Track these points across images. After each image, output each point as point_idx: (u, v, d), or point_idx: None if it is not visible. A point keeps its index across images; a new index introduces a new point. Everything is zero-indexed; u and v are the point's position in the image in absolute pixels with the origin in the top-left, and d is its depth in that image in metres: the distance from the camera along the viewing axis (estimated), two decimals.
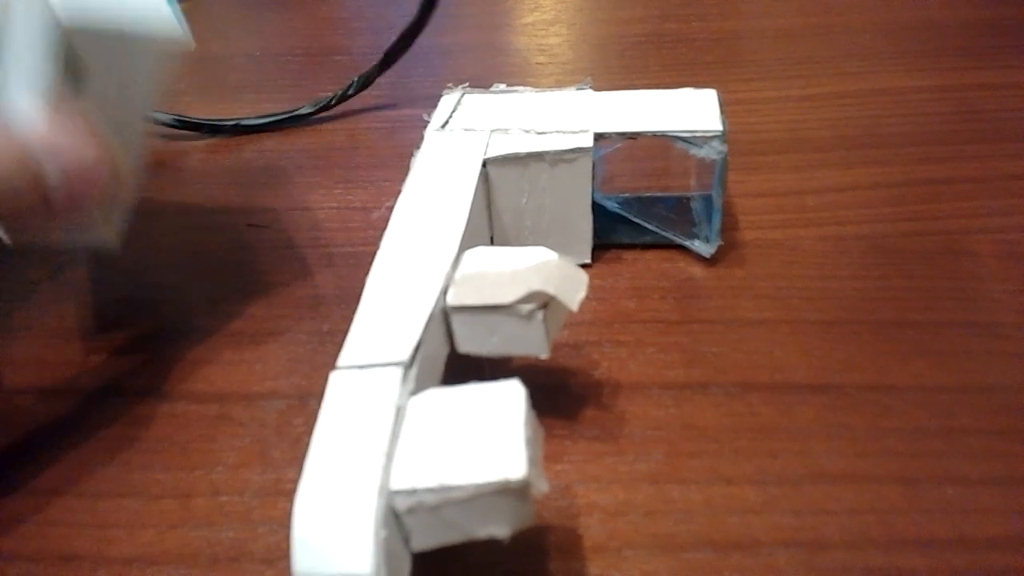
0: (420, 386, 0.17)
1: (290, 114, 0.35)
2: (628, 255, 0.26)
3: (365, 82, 0.35)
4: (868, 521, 0.18)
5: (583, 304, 0.24)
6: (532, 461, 0.14)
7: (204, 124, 0.34)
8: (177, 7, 0.20)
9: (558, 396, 0.21)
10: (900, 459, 0.19)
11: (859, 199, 0.27)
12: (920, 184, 0.28)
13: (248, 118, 0.34)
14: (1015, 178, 0.28)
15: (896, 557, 0.17)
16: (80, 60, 0.18)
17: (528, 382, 0.16)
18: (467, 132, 0.24)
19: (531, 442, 0.15)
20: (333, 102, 0.35)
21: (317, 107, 0.35)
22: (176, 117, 0.34)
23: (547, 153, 0.23)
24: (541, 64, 0.39)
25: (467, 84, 0.27)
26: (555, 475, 0.19)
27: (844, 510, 0.18)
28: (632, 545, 0.18)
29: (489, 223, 0.24)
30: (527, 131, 0.24)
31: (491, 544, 0.15)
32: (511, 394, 0.15)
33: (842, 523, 0.18)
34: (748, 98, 0.34)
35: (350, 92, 0.35)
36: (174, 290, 0.26)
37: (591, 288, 0.24)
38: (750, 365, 0.22)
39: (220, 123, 0.34)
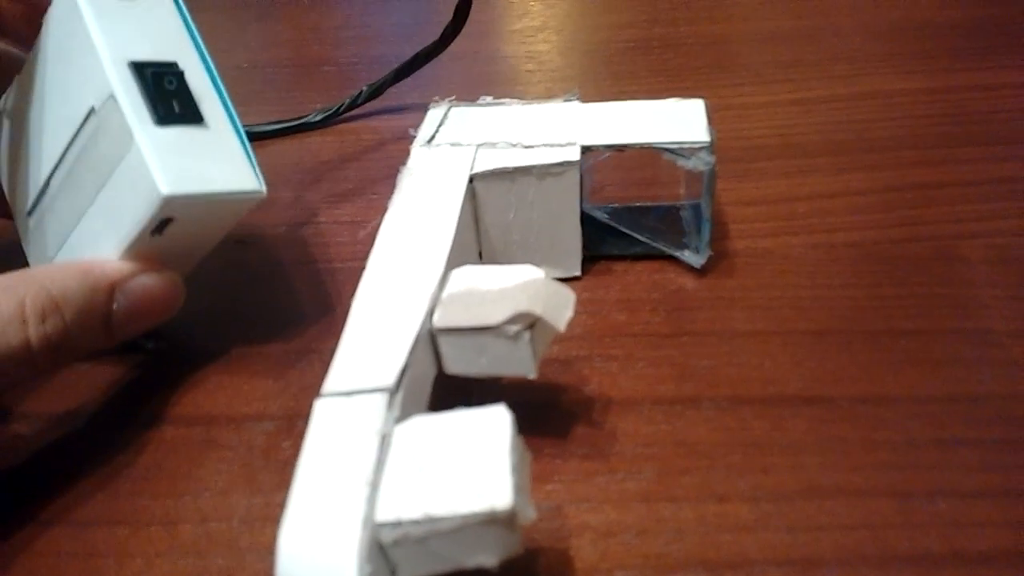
0: (406, 410, 0.16)
1: (298, 121, 0.35)
2: (618, 266, 0.26)
3: (374, 92, 0.34)
4: (861, 537, 0.18)
5: (572, 319, 0.24)
6: (518, 489, 0.14)
7: None
8: (254, 162, 0.22)
9: (547, 413, 0.21)
10: (893, 472, 0.19)
11: (850, 205, 0.27)
12: (911, 188, 0.28)
13: (257, 125, 0.34)
14: (1006, 181, 0.28)
15: (890, 573, 0.17)
16: (168, 218, 0.20)
17: (517, 400, 0.16)
18: (453, 147, 0.24)
19: (517, 469, 0.14)
20: (341, 109, 0.35)
21: (326, 114, 0.35)
22: None
23: (534, 167, 0.23)
24: (530, 71, 0.39)
25: (453, 97, 0.27)
26: (545, 495, 0.19)
27: (837, 526, 0.18)
28: (624, 566, 0.17)
29: (477, 238, 0.24)
30: (514, 145, 0.24)
31: (480, 571, 0.14)
32: (497, 420, 0.15)
33: (835, 539, 0.18)
34: (738, 103, 0.34)
35: (359, 100, 0.35)
36: None
37: (581, 301, 0.24)
38: (741, 378, 0.21)
39: None
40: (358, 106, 0.35)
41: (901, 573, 0.17)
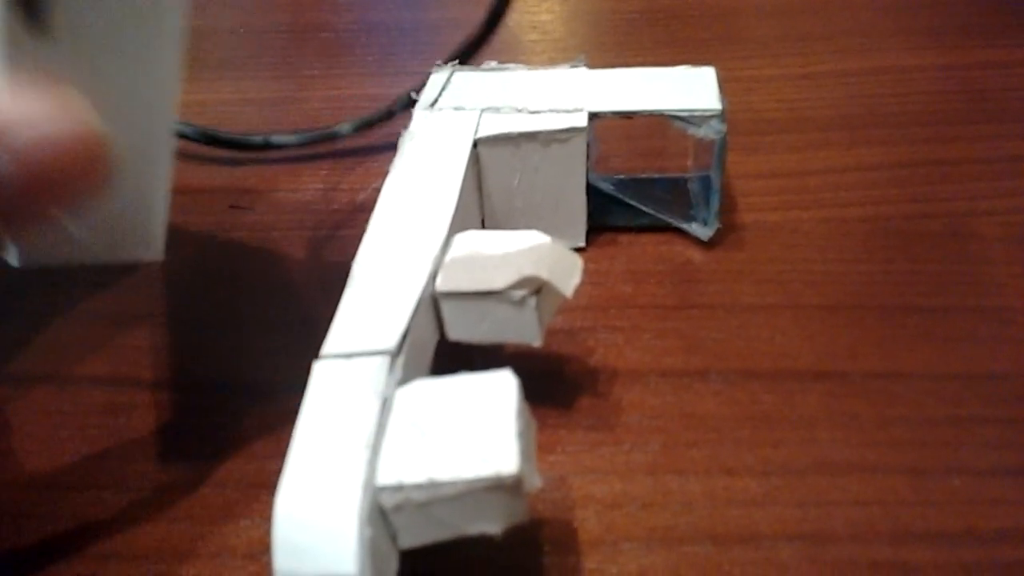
0: (408, 375, 0.16)
1: (326, 132, 0.30)
2: (624, 238, 0.25)
3: (406, 103, 0.28)
4: (874, 513, 0.17)
5: (577, 289, 0.23)
6: (525, 455, 0.14)
7: (231, 140, 0.29)
8: None
9: (552, 384, 0.20)
10: (907, 449, 0.18)
11: (862, 180, 0.27)
12: (924, 165, 0.27)
13: (278, 133, 0.30)
14: (1020, 159, 0.27)
15: (903, 550, 0.16)
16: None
17: (521, 370, 0.15)
18: (457, 111, 0.23)
19: (523, 435, 0.14)
20: (376, 120, 0.29)
21: (356, 126, 0.29)
22: (200, 130, 0.29)
23: (540, 133, 0.22)
24: (533, 41, 0.38)
25: (456, 62, 0.26)
26: (549, 466, 0.18)
27: (849, 501, 0.17)
28: (629, 538, 0.17)
29: (480, 205, 0.24)
30: (519, 110, 0.23)
31: (483, 539, 0.14)
32: (503, 385, 0.14)
33: (847, 515, 0.17)
34: (746, 76, 0.33)
35: (395, 110, 0.29)
36: (151, 275, 0.25)
37: (586, 272, 0.23)
38: (751, 352, 0.21)
39: (247, 140, 0.29)
40: (393, 117, 0.29)
41: (914, 550, 0.16)
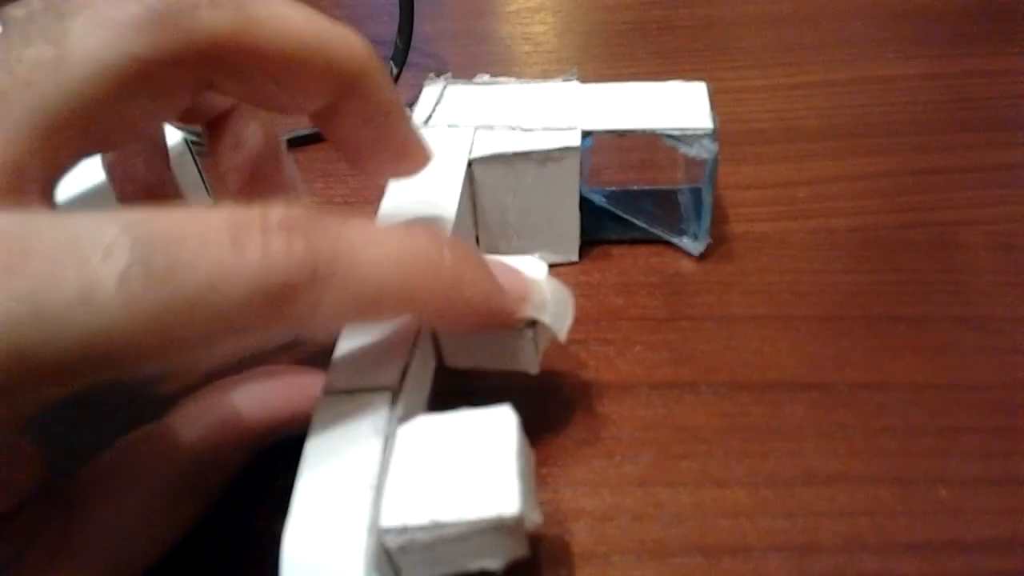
0: (409, 408, 0.16)
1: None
2: (615, 250, 0.25)
3: None
4: (861, 524, 0.17)
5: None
6: (525, 495, 0.14)
7: None
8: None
9: (543, 396, 0.21)
10: (893, 459, 0.19)
11: (850, 190, 0.27)
12: (911, 174, 0.28)
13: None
14: (1007, 168, 0.28)
15: (889, 561, 0.17)
16: None
17: (513, 383, 0.15)
18: (451, 129, 0.24)
19: (524, 474, 0.14)
20: None
21: None
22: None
23: (534, 152, 0.23)
24: (526, 53, 0.38)
25: (449, 74, 0.26)
26: (541, 479, 0.19)
27: (837, 512, 0.18)
28: (621, 551, 0.17)
29: (474, 222, 0.24)
30: (512, 128, 0.23)
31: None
32: (503, 422, 0.15)
33: (834, 526, 0.17)
34: (736, 87, 0.33)
35: None
36: None
37: (577, 285, 0.24)
38: (740, 363, 0.21)
39: None
40: None
41: (901, 560, 0.17)
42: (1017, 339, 0.21)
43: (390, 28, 0.33)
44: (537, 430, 0.20)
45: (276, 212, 0.13)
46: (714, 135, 0.23)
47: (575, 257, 0.25)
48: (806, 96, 0.32)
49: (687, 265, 0.24)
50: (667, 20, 0.40)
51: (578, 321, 0.23)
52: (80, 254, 0.11)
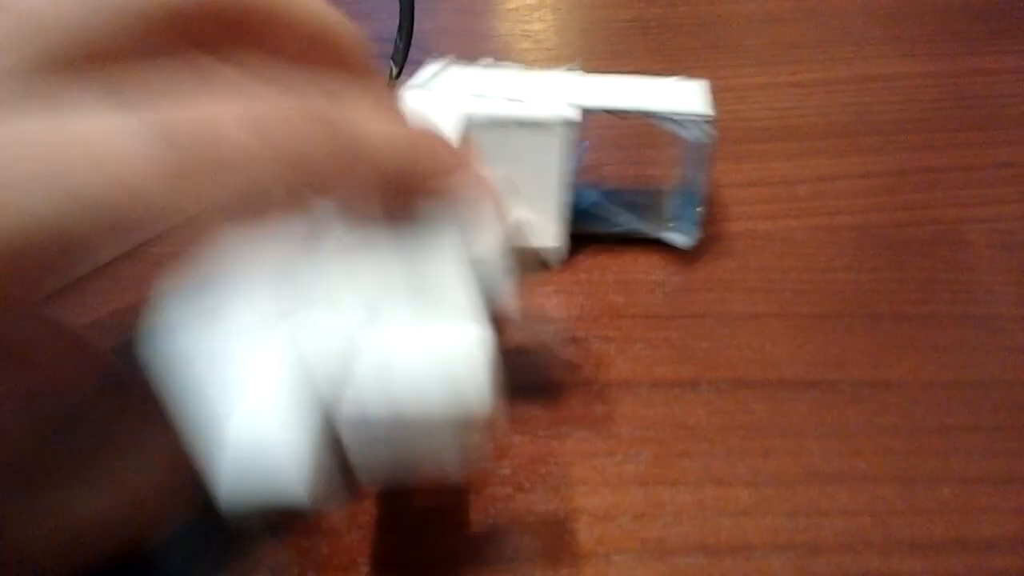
0: None
1: None
2: (615, 247, 0.25)
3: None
4: (864, 523, 0.17)
5: (570, 298, 0.23)
6: (490, 392, 0.13)
7: None
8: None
9: (543, 395, 0.20)
10: (896, 457, 0.18)
11: (851, 188, 0.27)
12: (913, 172, 0.27)
13: None
14: (1009, 166, 0.27)
15: (893, 560, 0.17)
16: None
17: (512, 383, 0.15)
18: (446, 93, 0.23)
19: (491, 373, 0.14)
20: None
21: None
22: None
23: (528, 120, 0.22)
24: (526, 50, 0.38)
25: (453, 56, 0.26)
26: (541, 478, 0.19)
27: (839, 511, 0.17)
28: (621, 550, 0.17)
29: None
30: (509, 100, 0.23)
31: (476, 551, 0.14)
32: (474, 334, 0.14)
33: (837, 525, 0.17)
34: (737, 85, 0.33)
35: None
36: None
37: (576, 282, 0.24)
38: (742, 361, 0.21)
39: None
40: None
41: (904, 559, 0.17)
42: (1020, 337, 0.21)
43: (390, 26, 0.32)
44: (537, 429, 0.19)
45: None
46: (713, 121, 0.22)
47: (558, 243, 0.24)
48: (807, 94, 0.32)
49: (688, 263, 0.24)
50: (667, 18, 0.40)
51: (578, 319, 0.23)
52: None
